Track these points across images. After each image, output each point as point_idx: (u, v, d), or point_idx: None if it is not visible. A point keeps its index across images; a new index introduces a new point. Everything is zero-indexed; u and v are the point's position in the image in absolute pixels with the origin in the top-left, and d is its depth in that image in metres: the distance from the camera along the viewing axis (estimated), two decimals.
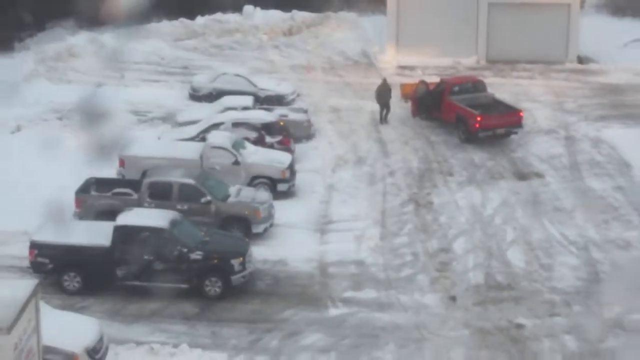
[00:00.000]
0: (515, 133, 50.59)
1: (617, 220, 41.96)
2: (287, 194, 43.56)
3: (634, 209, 42.89)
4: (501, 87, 56.18)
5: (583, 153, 49.23)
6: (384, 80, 53.75)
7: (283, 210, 41.36)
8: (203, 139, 45.16)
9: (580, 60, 64.79)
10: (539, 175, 46.60)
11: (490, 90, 53.69)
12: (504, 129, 50.50)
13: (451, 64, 61.85)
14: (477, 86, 53.56)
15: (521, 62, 63.11)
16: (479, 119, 49.70)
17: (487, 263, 38.26)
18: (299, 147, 48.16)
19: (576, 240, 40.03)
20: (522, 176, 46.44)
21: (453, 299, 35.76)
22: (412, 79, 57.27)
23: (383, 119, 52.80)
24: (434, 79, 55.07)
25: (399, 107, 54.71)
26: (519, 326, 33.92)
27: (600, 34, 67.19)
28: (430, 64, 61.21)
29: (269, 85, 56.41)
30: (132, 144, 45.07)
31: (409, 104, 54.34)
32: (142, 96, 56.69)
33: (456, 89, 52.74)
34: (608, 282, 36.93)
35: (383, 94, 52.81)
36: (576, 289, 36.37)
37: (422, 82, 54.47)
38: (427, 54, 62.06)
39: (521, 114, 51.12)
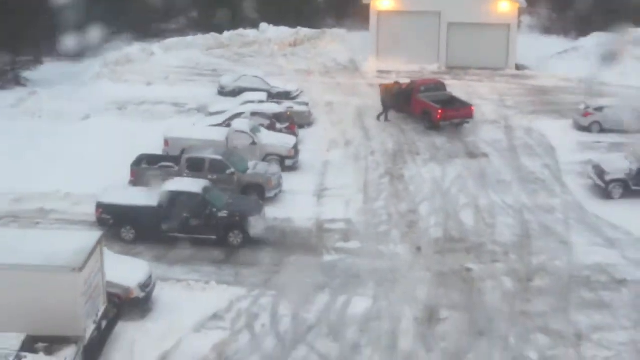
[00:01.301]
0: (468, 123, 50.57)
1: (544, 190, 42.02)
2: (292, 168, 43.55)
3: (557, 182, 42.98)
4: (457, 88, 56.12)
5: (519, 139, 49.22)
6: (394, 84, 53.64)
7: (289, 180, 41.42)
8: (228, 125, 45.14)
9: (517, 67, 64.72)
10: (485, 155, 46.58)
11: (448, 89, 53.65)
12: (459, 120, 50.51)
13: (419, 69, 61.73)
14: (439, 86, 53.52)
15: (472, 68, 63.02)
16: (439, 111, 49.73)
17: (445, 222, 38.30)
18: (301, 132, 48.18)
19: (513, 205, 40.08)
20: (472, 156, 46.43)
21: (418, 249, 35.81)
22: (389, 80, 57.15)
23: (384, 117, 52.52)
24: (405, 81, 55.00)
25: (379, 102, 54.49)
26: (469, 270, 34.02)
27: (533, 48, 67.14)
28: (402, 69, 61.06)
29: (279, 84, 56.38)
30: (174, 128, 45.20)
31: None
32: (182, 92, 56.64)
33: (422, 88, 52.71)
34: (536, 238, 37.04)
35: (387, 97, 52.50)
36: (512, 242, 36.44)
37: (397, 83, 54.42)
38: (400, 61, 61.92)
39: (472, 108, 51.11)
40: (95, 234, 28.12)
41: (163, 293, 31.28)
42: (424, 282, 33.13)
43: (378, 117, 52.23)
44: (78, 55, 66.10)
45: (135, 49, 65.39)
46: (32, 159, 43.14)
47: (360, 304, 31.36)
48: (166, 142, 43.62)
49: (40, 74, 61.26)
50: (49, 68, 62.79)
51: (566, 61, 65.92)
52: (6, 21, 57.37)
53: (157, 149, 43.24)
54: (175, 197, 35.36)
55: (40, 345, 25.07)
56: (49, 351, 25.04)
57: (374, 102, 54.79)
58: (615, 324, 30.38)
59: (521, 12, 67.24)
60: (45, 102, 53.38)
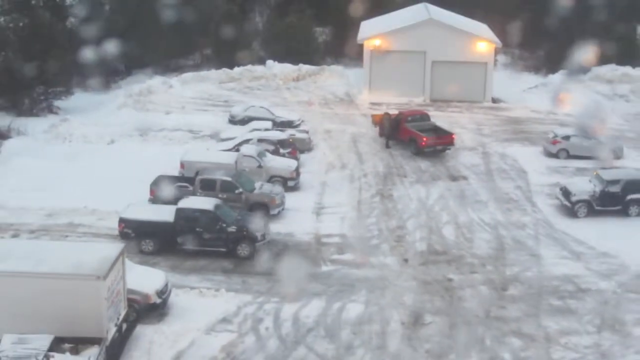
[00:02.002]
0: (449, 149, 50.35)
1: (517, 209, 41.84)
2: (294, 188, 43.30)
3: (528, 202, 42.80)
4: (440, 118, 55.92)
5: (494, 163, 49.03)
6: (384, 115, 53.54)
7: (291, 199, 41.16)
8: (237, 150, 44.96)
9: (494, 100, 64.52)
10: (465, 177, 46.39)
11: (432, 119, 53.49)
12: (442, 147, 50.29)
13: (406, 102, 61.53)
14: (424, 117, 53.33)
15: (453, 101, 62.82)
16: (424, 139, 49.55)
17: (429, 236, 38.14)
18: (302, 157, 47.95)
19: (489, 222, 39.91)
20: (453, 178, 46.23)
21: (405, 260, 35.67)
22: (379, 111, 57.02)
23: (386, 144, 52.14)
24: (394, 112, 54.86)
25: (371, 130, 54.46)
26: (450, 279, 33.90)
27: (507, 83, 67.10)
28: (392, 101, 60.91)
29: (283, 114, 56.17)
30: (189, 152, 45.00)
31: (378, 128, 54.12)
32: (196, 121, 56.41)
33: (409, 118, 52.54)
34: (510, 251, 36.85)
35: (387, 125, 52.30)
36: (489, 255, 36.32)
37: (387, 113, 54.30)
38: (390, 94, 61.80)
39: (453, 136, 50.92)
40: (118, 246, 28.10)
41: (178, 299, 31.15)
42: (410, 290, 33.00)
43: (387, 146, 51.65)
44: (104, 87, 66.10)
45: (156, 81, 65.23)
46: (63, 179, 42.97)
47: (353, 309, 31.26)
48: (182, 165, 43.37)
49: (71, 103, 61.12)
50: (79, 98, 62.59)
51: (536, 95, 65.83)
52: (40, 57, 57.20)
53: (174, 170, 42.97)
54: (189, 214, 35.16)
55: (67, 345, 24.96)
56: (74, 351, 24.95)
57: (367, 130, 54.68)
58: (581, 328, 30.31)
59: (497, 51, 67.14)
60: (75, 128, 53.18)
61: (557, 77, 68.47)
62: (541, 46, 77.89)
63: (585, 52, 62.08)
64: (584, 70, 66.90)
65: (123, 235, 35.35)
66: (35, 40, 59.45)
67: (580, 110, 56.20)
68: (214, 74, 68.69)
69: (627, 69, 68.88)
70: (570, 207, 40.64)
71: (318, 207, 41.48)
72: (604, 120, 54.37)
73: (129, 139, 52.07)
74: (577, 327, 30.37)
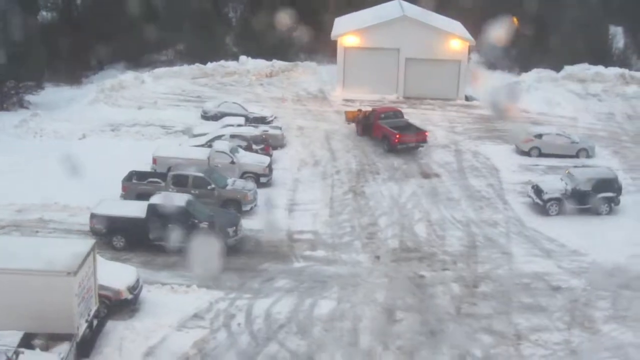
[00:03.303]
0: (422, 146, 50.51)
1: (489, 207, 42.08)
2: (267, 185, 43.35)
3: (500, 200, 43.05)
4: (413, 115, 56.13)
5: (467, 161, 49.25)
6: (357, 112, 53.74)
7: (263, 196, 41.21)
8: (210, 146, 44.91)
9: (467, 98, 64.78)
10: (437, 175, 46.57)
11: (406, 116, 53.67)
12: (415, 144, 50.44)
13: (379, 99, 61.70)
14: (397, 114, 53.48)
15: (427, 98, 63.01)
16: (397, 136, 49.69)
17: (401, 234, 38.31)
18: (275, 153, 47.87)
19: (461, 220, 40.13)
20: (426, 175, 46.41)
21: (377, 257, 35.81)
22: (353, 108, 57.16)
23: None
24: (368, 109, 55.05)
25: (344, 127, 54.60)
26: (422, 276, 34.07)
27: (481, 81, 67.33)
28: (365, 98, 61.08)
29: (256, 110, 56.22)
30: (161, 148, 44.96)
31: (351, 125, 54.27)
32: (169, 116, 56.34)
33: (383, 115, 52.70)
34: (481, 248, 37.08)
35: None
36: (460, 252, 36.52)
37: (359, 110, 54.48)
38: (364, 91, 61.96)
39: (426, 133, 51.10)
40: (89, 242, 28.04)
41: (149, 295, 31.13)
42: (382, 287, 33.13)
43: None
44: (76, 82, 65.86)
45: (128, 76, 65.08)
46: (34, 174, 42.73)
47: (325, 306, 31.37)
48: (154, 160, 43.33)
49: (42, 97, 60.86)
50: (50, 92, 62.41)
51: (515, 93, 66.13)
52: (11, 51, 56.84)
53: (146, 166, 42.89)
54: (161, 210, 35.11)
55: (37, 341, 24.89)
56: (45, 347, 24.85)
57: (340, 126, 54.80)
58: (551, 325, 30.56)
59: (470, 49, 67.40)
60: (46, 123, 53.02)
61: (530, 76, 68.90)
62: (515, 45, 78.31)
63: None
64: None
65: (94, 231, 35.24)
66: (6, 34, 59.08)
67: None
68: (186, 69, 68.63)
69: (599, 69, 69.39)
70: (542, 205, 40.94)
71: (290, 204, 41.53)
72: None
73: (100, 134, 51.91)
74: (547, 324, 30.62)
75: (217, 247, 31.75)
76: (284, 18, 75.61)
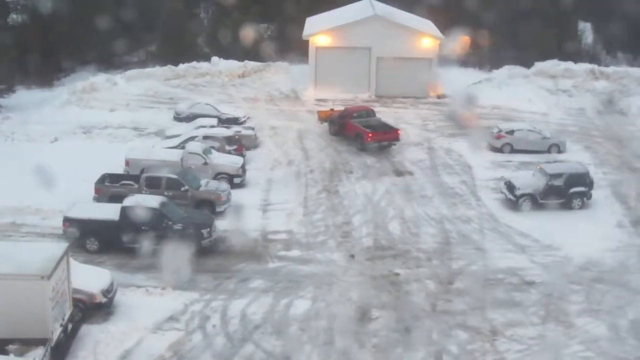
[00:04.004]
0: (395, 145, 50.57)
1: (462, 204, 42.18)
2: (240, 185, 43.26)
3: (473, 196, 43.17)
4: (386, 114, 56.18)
5: (439, 158, 49.31)
6: (330, 111, 53.72)
7: (237, 196, 41.11)
8: (183, 147, 44.74)
9: (438, 96, 64.94)
10: (410, 173, 46.61)
11: (378, 115, 53.74)
12: (387, 142, 50.50)
13: (352, 98, 61.64)
14: (369, 113, 53.54)
15: (399, 97, 63.03)
16: (370, 135, 49.71)
17: (375, 232, 38.32)
18: (248, 153, 47.77)
19: (435, 217, 40.19)
20: (399, 173, 46.44)
21: (352, 256, 35.79)
22: (326, 107, 57.19)
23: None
24: (340, 108, 55.07)
25: (317, 126, 54.58)
26: (396, 274, 34.10)
27: (451, 79, 67.46)
28: (338, 97, 61.06)
29: (229, 111, 56.09)
30: (134, 150, 44.76)
31: (324, 124, 54.27)
32: (141, 118, 56.09)
33: (355, 114, 52.75)
34: (456, 245, 37.16)
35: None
36: (434, 249, 36.60)
37: (332, 110, 54.50)
38: (336, 90, 61.93)
39: (399, 131, 51.17)
40: (62, 245, 27.84)
41: (124, 298, 30.97)
42: (357, 285, 33.13)
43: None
44: (47, 84, 65.42)
45: (100, 78, 64.72)
46: (5, 177, 42.32)
47: (300, 305, 31.35)
48: (127, 162, 43.13)
49: (13, 100, 60.37)
50: (22, 95, 61.95)
51: (480, 90, 66.34)
52: None
53: (119, 168, 42.64)
54: (134, 212, 34.92)
55: (11, 347, 24.66)
56: (19, 352, 24.62)
57: (313, 126, 54.77)
58: (526, 320, 30.71)
59: (441, 47, 67.54)
60: (17, 126, 52.66)
61: (501, 72, 69.13)
62: (485, 42, 78.59)
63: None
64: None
65: (67, 235, 34.99)
66: None
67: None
68: (158, 70, 68.30)
69: (569, 64, 69.71)
70: (515, 200, 41.08)
71: (264, 204, 41.43)
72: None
73: (73, 137, 51.62)
74: (522, 319, 30.74)
75: (188, 251, 31.83)
76: (256, 18, 75.74)
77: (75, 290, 28.21)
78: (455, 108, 54.73)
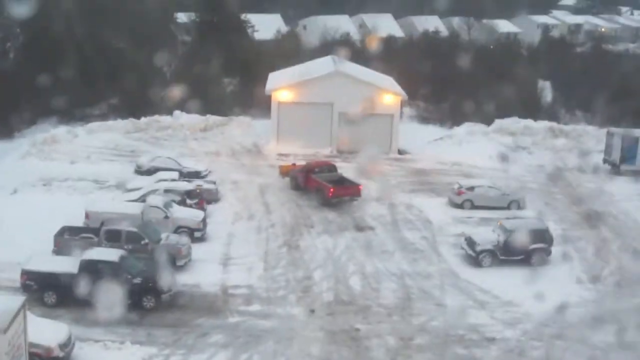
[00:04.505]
0: (356, 200, 50.77)
1: (423, 259, 42.30)
2: (201, 239, 43.10)
3: (434, 252, 43.31)
4: (347, 169, 56.40)
5: (400, 214, 49.52)
6: (291, 165, 53.95)
7: (198, 250, 40.94)
8: (144, 200, 44.59)
9: (400, 152, 65.45)
10: (371, 228, 46.72)
11: (339, 170, 53.98)
12: (349, 197, 50.68)
13: (313, 153, 61.96)
14: (331, 168, 53.80)
15: (360, 152, 63.50)
16: (331, 190, 49.86)
17: (336, 287, 38.24)
18: (209, 207, 47.70)
19: (395, 272, 40.24)
20: (360, 229, 46.54)
21: (312, 311, 35.66)
22: (287, 162, 57.38)
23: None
24: (301, 163, 55.30)
25: (278, 181, 54.70)
26: (357, 330, 33.99)
27: (413, 135, 68.17)
28: (299, 152, 61.32)
29: (190, 164, 56.14)
30: (94, 202, 44.50)
31: (286, 179, 54.44)
32: (102, 170, 55.91)
33: (316, 169, 53.00)
34: (416, 300, 37.17)
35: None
36: (395, 305, 36.56)
37: (294, 164, 54.71)
38: (298, 145, 62.20)
39: (360, 187, 51.38)
40: (19, 299, 27.52)
41: (82, 352, 30.59)
42: (317, 340, 32.98)
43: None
44: (8, 136, 65.09)
45: (61, 130, 64.60)
46: None
47: None
48: (87, 215, 42.75)
49: None
50: None
51: (442, 147, 67.09)
52: None
53: (78, 221, 42.30)
54: (94, 265, 34.63)
55: None
56: None
57: (275, 180, 54.90)
58: None
59: (403, 104, 68.25)
60: None
61: (461, 129, 69.88)
62: (446, 99, 79.59)
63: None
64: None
65: (25, 288, 34.59)
66: None
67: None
68: (120, 123, 68.30)
69: (529, 122, 70.68)
70: (475, 256, 41.28)
71: (225, 258, 41.28)
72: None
73: (32, 189, 51.24)
74: None
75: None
76: (218, 72, 76.12)
77: (32, 345, 27.78)
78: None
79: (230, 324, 34.21)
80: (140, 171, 55.26)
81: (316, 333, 33.61)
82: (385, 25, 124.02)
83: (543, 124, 70.93)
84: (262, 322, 34.36)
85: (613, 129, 62.98)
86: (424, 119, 78.91)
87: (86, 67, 68.91)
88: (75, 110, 72.83)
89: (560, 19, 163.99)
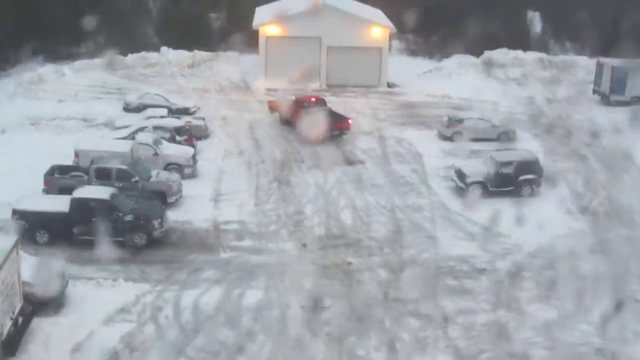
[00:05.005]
0: (346, 134, 50.73)
1: (413, 192, 42.45)
2: (191, 176, 43.09)
3: (424, 185, 43.44)
4: (336, 103, 56.25)
5: (390, 147, 49.56)
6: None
7: (188, 187, 40.98)
8: (133, 138, 44.48)
9: (389, 85, 65.21)
10: (361, 162, 46.81)
11: (329, 105, 53.82)
12: (338, 131, 50.62)
13: (302, 88, 61.70)
14: (320, 102, 53.67)
15: (349, 86, 63.24)
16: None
17: (327, 221, 38.41)
18: (199, 144, 47.63)
19: (386, 205, 40.39)
20: (350, 163, 46.60)
21: (304, 245, 35.86)
22: (276, 97, 57.16)
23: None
24: (291, 98, 55.12)
25: (267, 116, 54.57)
26: (349, 263, 34.23)
27: (402, 68, 67.86)
28: (288, 87, 61.03)
29: (178, 101, 55.89)
30: (83, 141, 44.37)
31: (274, 114, 54.28)
32: (90, 109, 55.59)
33: (306, 104, 52.82)
34: (407, 233, 37.40)
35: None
36: (386, 238, 36.77)
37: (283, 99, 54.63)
38: (286, 80, 61.87)
39: (350, 121, 51.33)
40: (11, 238, 27.54)
41: (75, 291, 30.70)
42: (309, 274, 33.20)
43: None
44: None
45: (47, 69, 64.12)
46: None
47: (253, 296, 31.32)
48: (76, 154, 42.62)
49: None
50: None
51: (431, 80, 66.87)
52: None
53: (68, 160, 42.22)
54: (84, 204, 34.67)
55: None
56: None
57: (264, 116, 54.73)
58: (477, 307, 30.96)
59: (391, 36, 67.82)
60: None
61: (450, 62, 69.60)
62: (435, 31, 79.04)
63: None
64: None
65: (17, 227, 34.62)
66: None
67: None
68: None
69: (518, 53, 70.42)
70: (465, 189, 41.43)
71: (216, 195, 41.34)
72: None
73: (20, 129, 51.00)
74: (473, 306, 31.04)
75: None
76: (205, 8, 75.43)
77: (25, 283, 27.93)
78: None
79: (223, 259, 34.40)
80: (128, 109, 55.01)
81: (308, 267, 33.82)
82: None
83: (532, 55, 70.67)
84: (254, 257, 34.56)
85: (603, 60, 62.75)
86: (413, 52, 78.41)
87: (71, 4, 68.12)
88: (62, 48, 72.17)
89: None
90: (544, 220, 37.68)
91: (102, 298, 30.37)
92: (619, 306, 29.62)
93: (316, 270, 33.54)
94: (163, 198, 38.81)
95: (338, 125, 50.66)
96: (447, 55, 71.60)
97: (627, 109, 57.89)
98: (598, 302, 30.37)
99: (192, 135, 47.45)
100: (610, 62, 61.73)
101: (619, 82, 60.47)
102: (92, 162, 40.24)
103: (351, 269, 33.71)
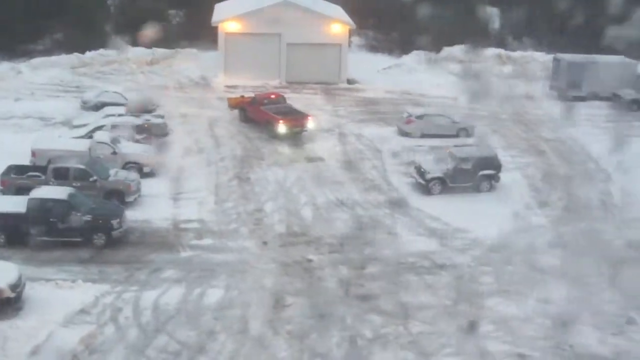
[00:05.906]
0: (306, 131, 50.64)
1: (373, 189, 42.49)
2: (150, 174, 42.80)
3: (384, 181, 43.49)
4: (296, 100, 56.12)
5: (350, 144, 49.60)
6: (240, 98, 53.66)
7: (147, 185, 40.69)
8: (91, 137, 44.11)
9: (349, 82, 65.21)
10: (321, 159, 46.76)
11: (288, 101, 53.71)
12: (298, 128, 50.54)
13: (262, 84, 61.55)
14: (280, 99, 53.56)
15: (309, 83, 63.21)
16: (280, 121, 49.69)
17: (287, 218, 38.34)
18: (158, 142, 47.35)
19: (346, 202, 40.39)
20: (310, 160, 46.55)
21: (265, 243, 35.77)
22: (236, 94, 56.91)
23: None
24: (250, 94, 54.94)
25: (227, 114, 54.32)
26: (309, 260, 34.20)
27: (362, 64, 67.90)
28: (248, 84, 60.85)
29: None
30: (41, 140, 43.89)
31: (234, 112, 54.08)
32: (48, 107, 54.92)
33: (265, 101, 52.71)
34: (368, 230, 37.41)
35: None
36: (347, 235, 36.71)
37: (242, 97, 54.34)
38: (246, 77, 61.67)
39: (309, 117, 51.27)
40: None
41: (33, 292, 30.29)
42: (270, 272, 33.13)
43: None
44: None
45: (3, 67, 63.39)
46: None
47: (214, 294, 31.17)
48: (33, 153, 42.19)
49: None
50: None
51: (390, 76, 66.99)
52: None
53: (25, 159, 41.74)
54: (42, 204, 34.30)
55: None
56: None
57: (223, 113, 54.51)
58: (438, 302, 30.98)
59: (351, 33, 67.84)
60: None
61: (410, 58, 69.77)
62: (394, 28, 79.19)
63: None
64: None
65: None
66: None
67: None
68: (64, 59, 67.06)
69: (477, 49, 70.68)
70: (425, 184, 41.53)
71: (175, 193, 41.06)
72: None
73: None
74: (434, 301, 31.11)
75: None
76: (164, 4, 74.95)
77: None
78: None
79: (183, 258, 34.20)
80: (86, 107, 54.47)
81: (269, 265, 33.74)
82: None
83: (491, 51, 71.03)
84: (215, 256, 34.41)
85: (560, 55, 63.23)
86: (373, 48, 78.52)
87: (28, 1, 67.38)
88: (18, 46, 71.36)
89: None
90: (503, 215, 37.85)
91: (60, 299, 29.96)
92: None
93: (277, 268, 33.46)
94: (122, 197, 38.49)
95: (298, 122, 50.56)
96: (407, 52, 71.73)
97: (583, 104, 58.34)
98: (557, 295, 30.59)
99: (151, 134, 47.08)
100: (567, 57, 62.19)
101: (575, 77, 60.91)
102: (49, 162, 39.82)
103: (312, 266, 33.68)
